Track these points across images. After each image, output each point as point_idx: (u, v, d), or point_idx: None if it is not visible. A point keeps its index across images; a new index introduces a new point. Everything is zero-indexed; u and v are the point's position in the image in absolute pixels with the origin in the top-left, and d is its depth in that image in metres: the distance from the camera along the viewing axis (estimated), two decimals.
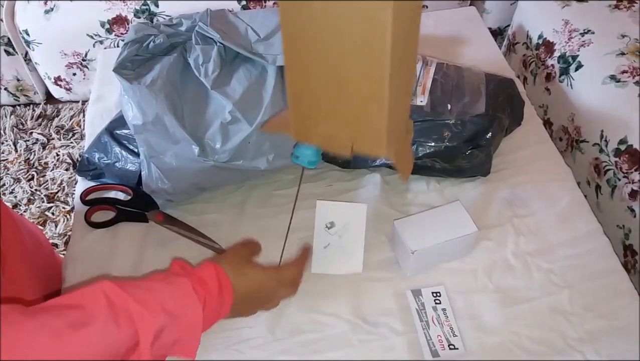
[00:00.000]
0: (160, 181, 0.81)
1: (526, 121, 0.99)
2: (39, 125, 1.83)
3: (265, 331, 0.74)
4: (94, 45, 1.66)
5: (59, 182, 1.67)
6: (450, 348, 0.72)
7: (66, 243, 1.51)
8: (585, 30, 1.27)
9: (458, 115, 0.87)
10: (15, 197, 1.64)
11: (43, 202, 1.63)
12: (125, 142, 0.89)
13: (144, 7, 1.60)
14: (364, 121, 0.57)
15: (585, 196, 0.90)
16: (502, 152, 0.94)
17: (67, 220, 1.57)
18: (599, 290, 0.78)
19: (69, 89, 1.80)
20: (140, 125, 0.80)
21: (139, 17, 1.60)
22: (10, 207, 1.43)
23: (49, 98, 1.89)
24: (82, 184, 0.92)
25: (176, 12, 1.38)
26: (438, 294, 0.77)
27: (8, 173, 1.70)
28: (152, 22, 1.15)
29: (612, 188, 1.11)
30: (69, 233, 1.50)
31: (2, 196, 1.64)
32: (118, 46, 1.64)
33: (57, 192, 1.65)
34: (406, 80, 0.60)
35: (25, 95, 1.87)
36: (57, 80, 1.77)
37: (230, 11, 0.95)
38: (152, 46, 0.87)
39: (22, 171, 1.70)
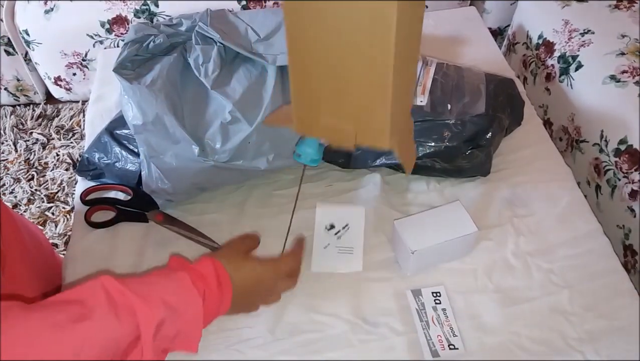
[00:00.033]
0: (160, 181, 0.81)
1: (526, 121, 0.99)
2: (39, 125, 1.83)
3: (265, 331, 0.74)
4: (94, 45, 1.66)
5: (59, 182, 1.67)
6: (450, 348, 0.72)
7: (66, 243, 1.51)
8: (585, 30, 1.27)
9: (458, 115, 0.87)
10: (15, 197, 1.64)
11: (43, 202, 1.63)
12: (125, 142, 0.89)
13: (144, 7, 1.60)
14: (367, 112, 0.57)
15: (585, 196, 0.90)
16: (502, 152, 0.94)
17: (67, 220, 1.57)
18: (599, 290, 0.78)
19: (69, 89, 1.80)
20: (140, 125, 0.80)
21: (139, 17, 1.60)
22: (10, 207, 1.43)
23: (49, 98, 1.89)
24: (82, 184, 0.92)
25: (176, 12, 1.38)
26: (438, 294, 0.77)
27: (8, 173, 1.70)
28: (152, 22, 1.15)
29: (612, 188, 1.11)
30: (69, 233, 1.50)
31: (2, 196, 1.64)
32: (118, 46, 1.64)
33: (57, 192, 1.65)
34: (409, 72, 0.60)
35: (25, 95, 1.87)
36: (57, 80, 1.77)
37: (230, 11, 0.95)
38: (152, 46, 0.87)
39: (22, 171, 1.70)
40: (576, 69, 1.23)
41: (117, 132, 0.90)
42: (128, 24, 1.61)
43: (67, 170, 1.70)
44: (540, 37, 1.36)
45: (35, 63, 1.73)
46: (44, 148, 1.77)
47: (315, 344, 0.74)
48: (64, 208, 1.61)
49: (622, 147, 1.08)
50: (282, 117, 0.68)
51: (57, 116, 1.85)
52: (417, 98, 0.88)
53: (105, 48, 1.65)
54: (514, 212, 0.87)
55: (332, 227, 0.83)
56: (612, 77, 1.15)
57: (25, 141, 1.78)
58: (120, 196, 0.89)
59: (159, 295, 0.53)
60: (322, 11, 0.50)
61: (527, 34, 1.42)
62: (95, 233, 0.86)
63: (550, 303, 0.76)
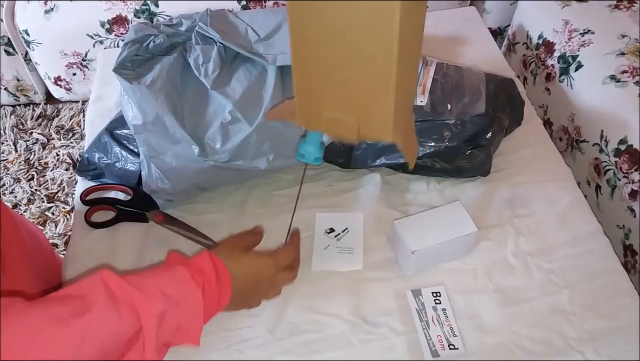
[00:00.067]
0: (160, 181, 0.81)
1: (526, 121, 0.99)
2: (39, 125, 1.83)
3: (265, 331, 0.74)
4: (94, 45, 1.66)
5: (59, 182, 1.67)
6: (450, 348, 0.72)
7: (66, 243, 1.51)
8: (585, 30, 1.27)
9: (458, 115, 0.87)
10: (15, 197, 1.64)
11: (43, 202, 1.63)
12: (125, 142, 0.89)
13: (144, 7, 1.60)
14: (371, 106, 0.57)
15: (585, 196, 0.90)
16: (502, 152, 0.94)
17: (67, 220, 1.57)
18: (599, 290, 0.78)
19: (69, 89, 1.80)
20: (140, 125, 0.80)
21: (139, 17, 1.60)
22: (10, 207, 1.43)
23: (49, 98, 1.89)
24: (82, 184, 0.92)
25: (176, 12, 1.38)
26: (438, 294, 0.77)
27: (8, 173, 1.70)
28: (152, 22, 1.15)
29: (612, 188, 1.11)
30: (69, 233, 1.50)
31: (2, 196, 1.64)
32: (118, 46, 1.64)
33: (57, 192, 1.65)
34: (412, 65, 0.60)
35: (25, 95, 1.87)
36: (57, 80, 1.77)
37: (230, 11, 0.95)
38: (152, 46, 0.87)
39: (22, 171, 1.70)
40: (576, 69, 1.23)
41: (117, 132, 0.90)
42: (128, 24, 1.61)
43: (67, 170, 1.70)
44: (540, 37, 1.36)
45: (35, 63, 1.73)
46: (44, 148, 1.77)
47: (315, 344, 0.74)
48: (64, 208, 1.61)
49: (622, 147, 1.08)
50: (284, 111, 0.68)
51: (57, 116, 1.85)
52: (417, 99, 0.88)
53: (105, 48, 1.65)
54: (514, 212, 0.87)
55: (331, 230, 0.84)
56: (612, 77, 1.15)
57: (25, 141, 1.78)
58: (120, 196, 0.89)
59: (157, 287, 0.53)
60: (327, 4, 0.50)
61: (527, 34, 1.42)
62: (95, 233, 0.86)
63: (550, 303, 0.76)
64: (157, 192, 0.82)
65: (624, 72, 1.15)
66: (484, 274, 0.80)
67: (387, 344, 0.73)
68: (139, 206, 0.86)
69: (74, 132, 1.81)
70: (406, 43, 0.52)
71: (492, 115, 0.89)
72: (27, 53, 1.72)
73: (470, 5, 1.74)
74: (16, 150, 1.76)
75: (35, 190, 1.65)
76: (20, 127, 1.83)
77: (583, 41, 1.25)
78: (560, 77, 1.27)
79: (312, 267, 0.80)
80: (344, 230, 0.84)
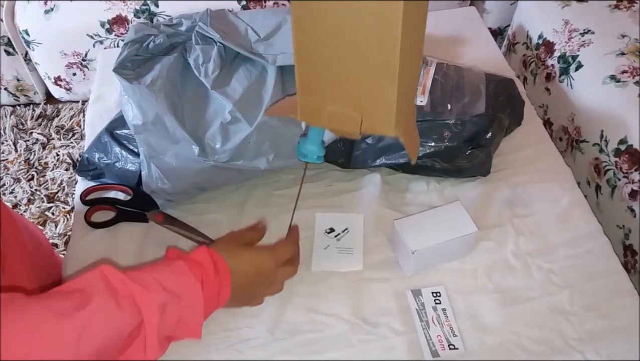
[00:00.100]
0: (160, 181, 0.81)
1: (526, 121, 0.99)
2: (39, 125, 1.84)
3: (265, 331, 0.74)
4: (94, 45, 1.66)
5: (59, 182, 1.67)
6: (450, 348, 0.72)
7: (66, 243, 1.51)
8: (585, 30, 1.27)
9: (458, 115, 0.87)
10: (15, 197, 1.64)
11: (43, 202, 1.63)
12: (125, 142, 0.89)
13: (144, 7, 1.60)
14: (373, 100, 0.57)
15: (585, 196, 0.90)
16: (502, 152, 0.94)
17: (67, 220, 1.57)
18: (599, 290, 0.78)
19: (69, 89, 1.80)
20: (140, 125, 0.80)
21: (139, 17, 1.61)
22: (10, 207, 1.43)
23: (49, 98, 1.89)
24: (82, 184, 0.92)
25: (176, 12, 1.38)
26: (438, 294, 0.77)
27: (8, 173, 1.70)
28: (152, 22, 1.15)
29: (612, 188, 1.11)
30: (69, 233, 1.50)
31: (2, 196, 1.64)
32: (118, 46, 1.64)
33: (57, 192, 1.65)
34: (414, 59, 0.60)
35: (25, 95, 1.87)
36: (57, 80, 1.77)
37: (230, 11, 0.95)
38: (152, 46, 0.87)
39: (22, 171, 1.70)
40: (576, 69, 1.23)
41: (117, 132, 0.90)
42: (128, 24, 1.61)
43: (67, 170, 1.70)
44: (540, 37, 1.36)
45: (35, 63, 1.73)
46: (44, 148, 1.77)
47: (315, 344, 0.74)
48: (64, 208, 1.61)
49: (622, 147, 1.08)
50: (285, 108, 0.68)
51: (57, 116, 1.85)
52: (417, 99, 0.88)
53: (105, 48, 1.65)
54: (514, 212, 0.87)
55: (331, 230, 0.84)
56: (612, 77, 1.15)
57: (25, 141, 1.78)
58: (120, 196, 0.89)
59: (157, 281, 0.53)
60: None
61: (527, 34, 1.42)
62: (95, 233, 0.86)
63: (550, 303, 0.76)
64: (157, 192, 0.82)
65: (624, 72, 1.15)
66: (484, 274, 0.80)
67: (387, 344, 0.73)
68: (139, 206, 0.86)
69: (74, 132, 1.81)
70: (409, 37, 0.52)
71: (492, 115, 0.89)
72: (27, 53, 1.72)
73: (470, 5, 1.74)
74: (16, 150, 1.76)
75: (35, 190, 1.65)
76: (20, 127, 1.83)
77: (583, 41, 1.25)
78: (560, 77, 1.27)
79: (312, 267, 0.80)
80: (344, 230, 0.84)
